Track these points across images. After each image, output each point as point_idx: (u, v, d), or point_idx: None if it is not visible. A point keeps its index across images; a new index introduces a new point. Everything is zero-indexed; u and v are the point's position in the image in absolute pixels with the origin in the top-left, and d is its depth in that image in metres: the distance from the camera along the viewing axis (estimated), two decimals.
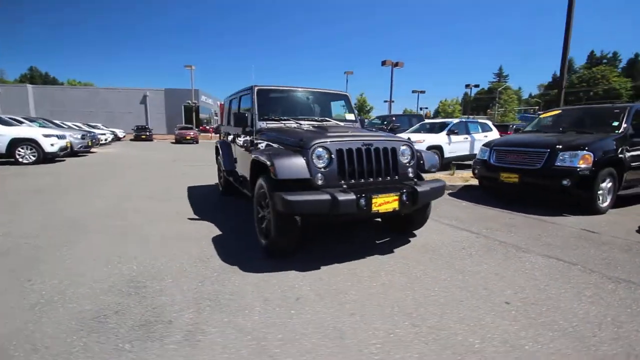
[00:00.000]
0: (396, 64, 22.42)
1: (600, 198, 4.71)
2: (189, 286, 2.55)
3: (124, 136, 29.49)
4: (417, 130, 10.45)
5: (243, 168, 4.45)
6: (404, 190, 2.95)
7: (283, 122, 4.04)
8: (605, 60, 70.23)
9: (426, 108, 48.66)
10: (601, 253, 3.29)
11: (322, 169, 2.90)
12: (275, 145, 3.44)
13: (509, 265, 2.99)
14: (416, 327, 2.03)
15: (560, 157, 4.67)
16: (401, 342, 1.89)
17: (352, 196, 2.68)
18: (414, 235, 3.78)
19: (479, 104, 71.35)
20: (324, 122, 4.26)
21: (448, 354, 1.78)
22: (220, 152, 5.57)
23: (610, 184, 4.79)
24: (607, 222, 4.36)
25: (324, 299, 2.38)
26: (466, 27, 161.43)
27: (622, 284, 2.63)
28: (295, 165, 2.80)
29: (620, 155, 4.80)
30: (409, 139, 3.51)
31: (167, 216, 4.54)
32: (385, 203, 2.86)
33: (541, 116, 6.58)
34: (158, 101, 42.13)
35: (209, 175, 8.21)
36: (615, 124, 5.20)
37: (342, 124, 4.43)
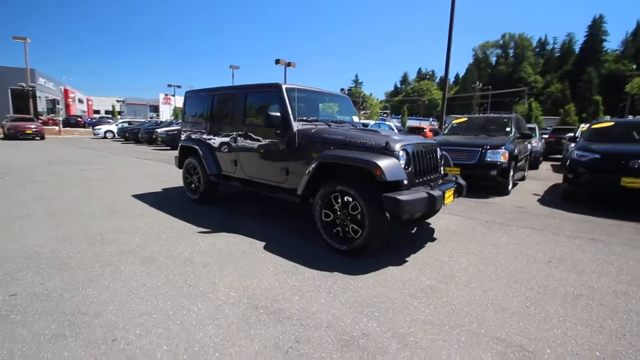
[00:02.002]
0: (289, 64, 23.14)
1: (510, 183, 6.59)
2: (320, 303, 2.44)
3: None
4: None
5: (265, 171, 4.12)
6: (455, 185, 3.55)
7: (313, 123, 3.98)
8: (427, 76, 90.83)
9: None
10: (546, 220, 4.75)
11: (406, 170, 3.16)
12: (346, 149, 3.34)
13: (513, 238, 4.00)
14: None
15: (489, 154, 6.27)
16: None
17: (439, 192, 3.08)
18: (428, 224, 4.46)
19: None
20: (343, 124, 4.42)
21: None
22: (201, 154, 4.87)
23: (512, 172, 6.74)
24: (519, 200, 6.17)
25: (458, 284, 2.73)
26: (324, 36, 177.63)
27: (581, 238, 3.99)
28: (396, 167, 2.97)
29: (515, 152, 6.80)
30: None
31: (238, 247, 3.74)
32: (449, 197, 3.39)
33: (453, 122, 8.44)
34: None
35: (137, 181, 6.86)
36: (508, 129, 7.31)
37: (356, 124, 4.66)
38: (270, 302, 2.38)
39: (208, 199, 5.15)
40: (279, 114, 3.77)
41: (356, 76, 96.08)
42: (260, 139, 4.15)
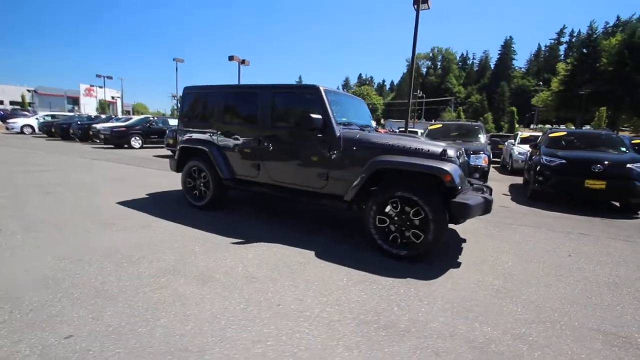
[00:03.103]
0: (243, 62, 22.23)
1: None
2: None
3: None
4: None
5: (299, 176, 3.92)
6: (486, 189, 3.82)
7: (349, 127, 3.90)
8: (367, 82, 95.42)
9: None
10: (533, 219, 5.36)
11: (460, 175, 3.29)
12: (400, 155, 3.33)
13: (524, 236, 4.43)
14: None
15: (472, 159, 6.85)
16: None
17: (491, 197, 3.29)
18: None
19: None
20: (370, 128, 4.42)
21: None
22: (212, 157, 4.43)
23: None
24: (497, 200, 6.86)
25: (521, 282, 2.92)
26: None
27: (573, 234, 4.59)
28: (459, 173, 3.08)
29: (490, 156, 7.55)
30: None
31: (290, 258, 3.33)
32: None
33: (429, 127, 9.02)
34: None
35: (109, 185, 5.99)
36: (480, 135, 8.08)
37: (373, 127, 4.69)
38: (376, 316, 2.28)
39: (216, 205, 4.71)
40: (321, 117, 3.62)
41: (300, 78, 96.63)
42: (294, 142, 3.94)
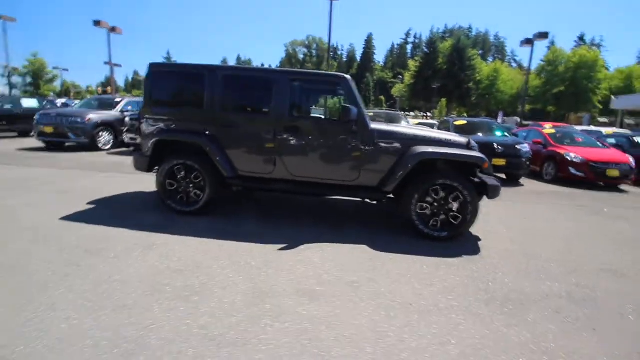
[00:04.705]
0: (113, 29, 17.95)
1: None
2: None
3: None
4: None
5: (328, 170, 3.73)
6: None
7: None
8: (246, 64, 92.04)
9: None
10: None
11: None
12: (435, 146, 3.59)
13: (548, 211, 5.43)
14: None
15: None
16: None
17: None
18: None
19: None
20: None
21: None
22: (212, 152, 3.71)
23: None
24: None
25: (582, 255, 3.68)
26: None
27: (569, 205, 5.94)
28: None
29: None
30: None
31: (357, 257, 2.88)
32: None
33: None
34: None
35: (20, 196, 4.27)
36: (402, 122, 9.22)
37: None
38: (488, 295, 2.55)
39: (207, 208, 3.98)
40: (356, 108, 3.53)
41: (168, 53, 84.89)
42: (321, 135, 3.70)
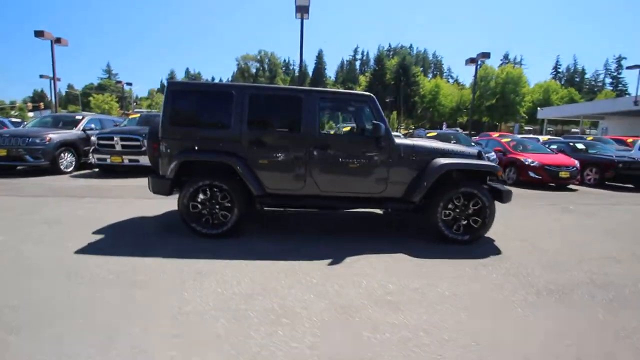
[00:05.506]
0: (58, 40, 16.32)
1: None
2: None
3: None
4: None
5: (357, 184, 3.87)
6: None
7: None
8: (195, 78, 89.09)
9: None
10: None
11: None
12: (454, 157, 3.94)
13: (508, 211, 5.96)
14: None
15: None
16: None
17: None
18: None
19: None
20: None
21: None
22: (242, 171, 3.64)
23: None
24: None
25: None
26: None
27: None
28: None
29: None
30: None
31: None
32: None
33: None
34: None
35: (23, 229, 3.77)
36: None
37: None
38: (533, 288, 2.85)
39: (237, 230, 3.86)
40: (383, 124, 3.74)
41: (108, 65, 79.09)
42: (352, 150, 3.84)
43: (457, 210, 3.89)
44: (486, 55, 18.21)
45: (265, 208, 3.98)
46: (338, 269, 3.10)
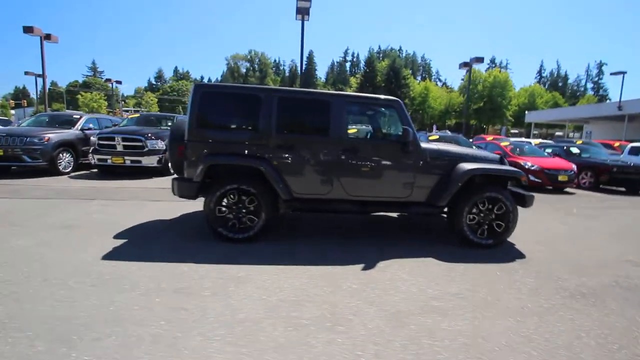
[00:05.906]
0: (48, 37, 15.79)
1: None
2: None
3: None
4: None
5: (384, 188, 3.88)
6: None
7: None
8: (183, 76, 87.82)
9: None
10: None
11: None
12: (478, 163, 4.00)
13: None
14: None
15: None
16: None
17: None
18: None
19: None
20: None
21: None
22: (270, 175, 3.60)
23: None
24: None
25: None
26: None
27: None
28: None
29: None
30: None
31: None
32: None
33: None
34: None
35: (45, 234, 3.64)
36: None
37: None
38: (566, 291, 2.93)
39: (264, 234, 3.81)
40: (411, 129, 3.77)
41: (93, 62, 76.91)
42: (379, 155, 3.85)
43: (482, 214, 3.95)
44: (480, 59, 18.60)
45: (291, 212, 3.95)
46: (373, 274, 3.11)
